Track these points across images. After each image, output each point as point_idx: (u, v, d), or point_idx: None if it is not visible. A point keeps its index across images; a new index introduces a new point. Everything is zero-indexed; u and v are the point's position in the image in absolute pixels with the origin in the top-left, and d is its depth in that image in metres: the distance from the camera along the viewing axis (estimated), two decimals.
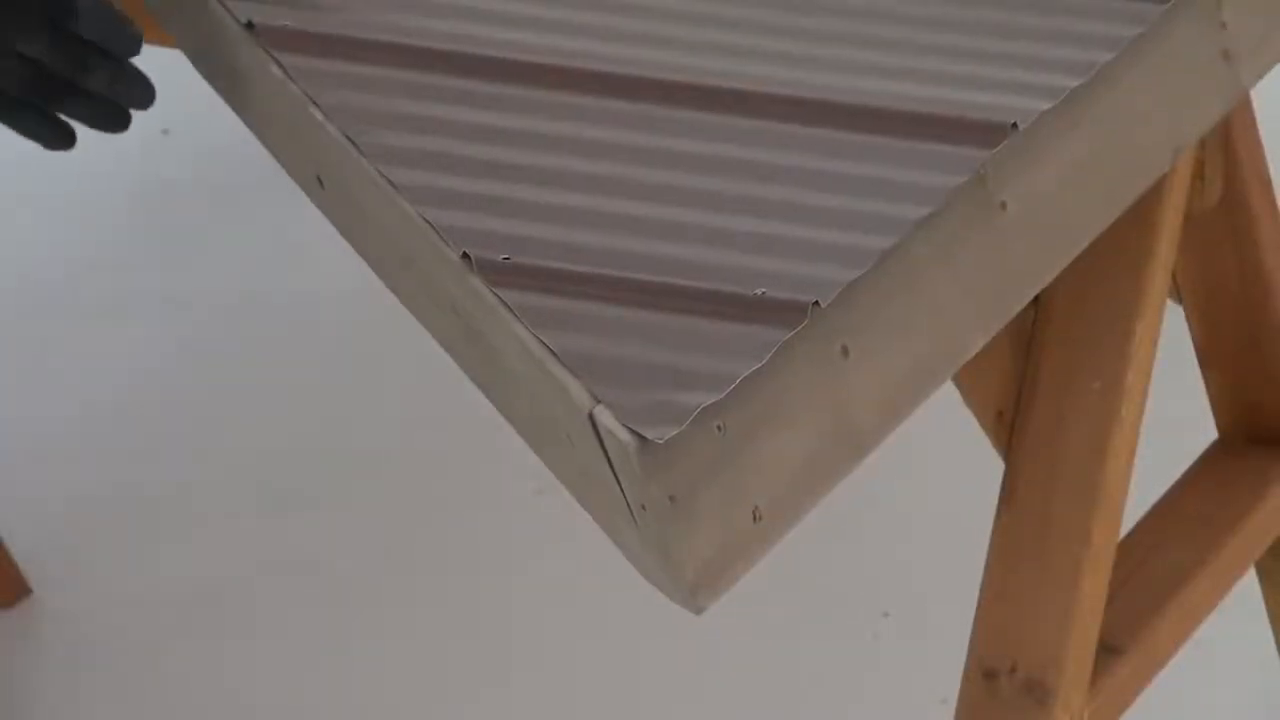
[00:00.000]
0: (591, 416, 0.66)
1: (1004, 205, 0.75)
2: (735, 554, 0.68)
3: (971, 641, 0.96)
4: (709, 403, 0.65)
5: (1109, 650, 1.00)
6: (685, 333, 0.68)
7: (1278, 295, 1.07)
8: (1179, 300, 1.09)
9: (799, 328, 0.67)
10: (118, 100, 0.84)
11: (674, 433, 0.64)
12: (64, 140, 0.86)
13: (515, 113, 0.79)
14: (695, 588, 0.68)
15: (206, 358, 1.96)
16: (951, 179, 0.72)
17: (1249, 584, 1.18)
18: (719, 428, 0.67)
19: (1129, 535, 1.07)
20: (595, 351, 0.68)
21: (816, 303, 0.67)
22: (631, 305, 0.69)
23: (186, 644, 1.64)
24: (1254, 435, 1.13)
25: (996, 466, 0.97)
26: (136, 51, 0.83)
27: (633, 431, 0.65)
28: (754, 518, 0.68)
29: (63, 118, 0.85)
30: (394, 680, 1.57)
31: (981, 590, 0.96)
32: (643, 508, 0.67)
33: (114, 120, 0.86)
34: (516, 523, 1.67)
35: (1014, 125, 0.73)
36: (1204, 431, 1.15)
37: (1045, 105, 0.75)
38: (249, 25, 0.82)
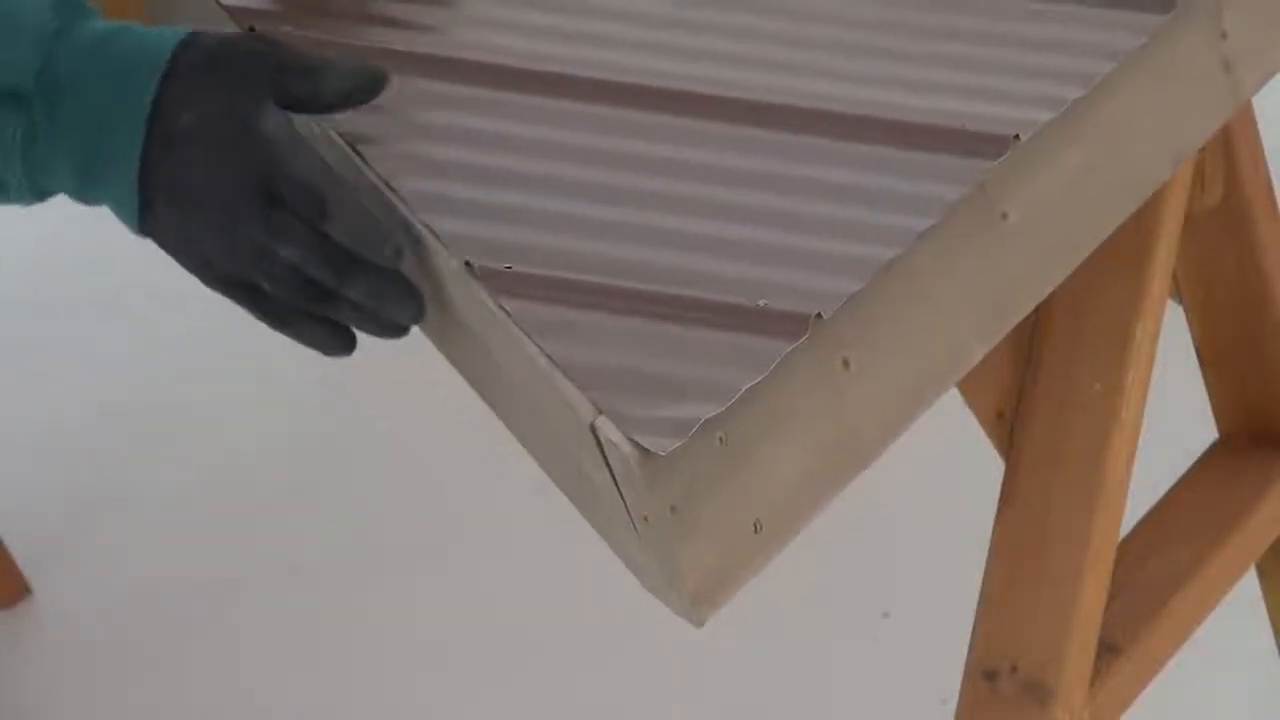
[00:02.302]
0: (594, 427, 0.66)
1: (1005, 215, 0.75)
2: (736, 565, 0.68)
3: (971, 641, 0.96)
4: (711, 415, 0.65)
5: (1109, 650, 1.00)
6: (688, 344, 0.68)
7: (1278, 295, 1.07)
8: (1179, 300, 1.08)
9: (801, 340, 0.67)
10: (379, 312, 0.76)
11: (676, 444, 0.64)
12: (343, 345, 0.78)
13: (517, 120, 0.78)
14: (696, 599, 0.68)
15: (206, 357, 1.95)
16: (953, 190, 0.72)
17: (1249, 584, 1.18)
18: (721, 439, 0.67)
19: (1129, 535, 1.06)
20: (598, 362, 0.68)
21: (819, 314, 0.67)
22: (634, 315, 0.69)
23: (186, 644, 1.64)
24: (1254, 435, 1.13)
25: (996, 466, 0.97)
26: (398, 262, 0.75)
27: (635, 443, 0.65)
28: (755, 529, 0.68)
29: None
30: (394, 680, 1.57)
31: (981, 590, 0.96)
32: (644, 519, 0.67)
33: (384, 328, 0.77)
34: (514, 523, 1.67)
35: (1016, 137, 0.73)
36: (1204, 431, 1.14)
37: (1047, 116, 0.74)
38: (250, 28, 0.82)
